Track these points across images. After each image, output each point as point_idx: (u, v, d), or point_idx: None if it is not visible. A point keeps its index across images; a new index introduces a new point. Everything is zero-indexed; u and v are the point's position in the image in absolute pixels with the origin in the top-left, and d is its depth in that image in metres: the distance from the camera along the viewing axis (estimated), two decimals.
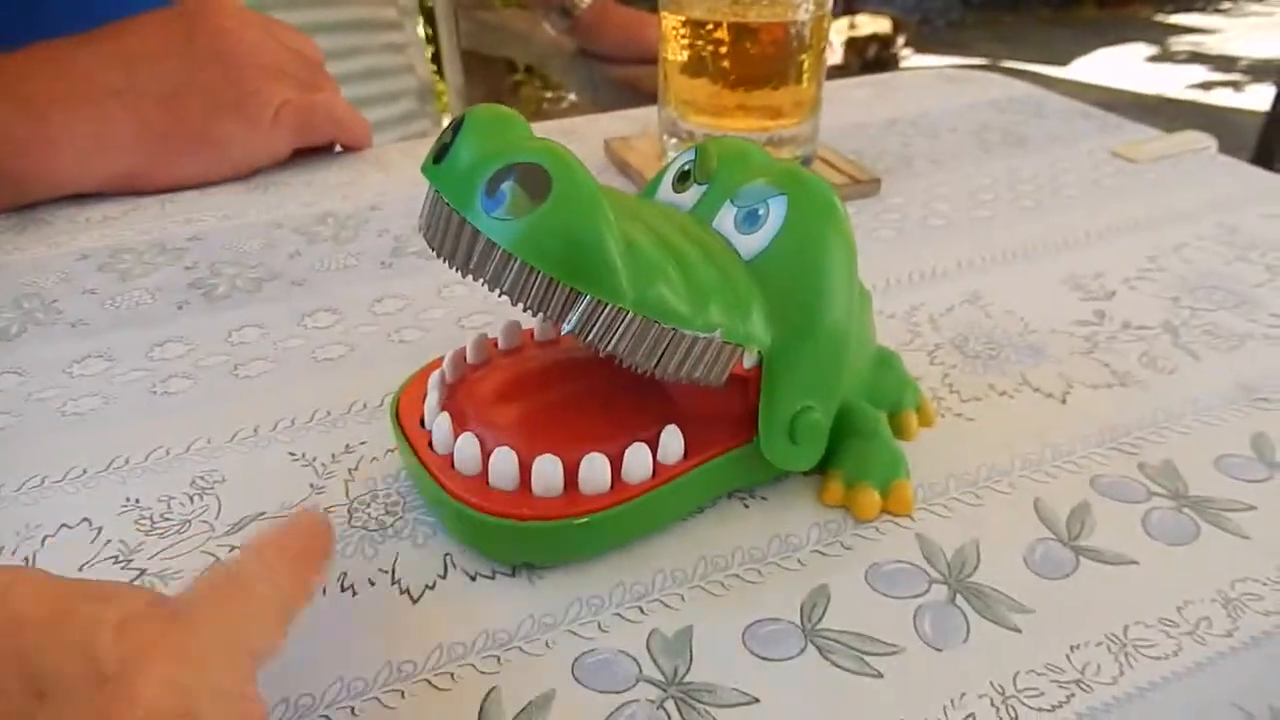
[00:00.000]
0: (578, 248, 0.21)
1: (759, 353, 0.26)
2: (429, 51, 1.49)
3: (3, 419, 0.32)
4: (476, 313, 0.38)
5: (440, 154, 0.23)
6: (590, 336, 0.22)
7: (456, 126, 0.23)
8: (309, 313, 0.38)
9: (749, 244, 0.26)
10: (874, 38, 3.10)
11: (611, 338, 0.22)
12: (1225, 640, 0.24)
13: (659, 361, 0.23)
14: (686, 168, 0.29)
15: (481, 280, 0.22)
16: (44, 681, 0.15)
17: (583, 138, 0.55)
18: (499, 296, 0.22)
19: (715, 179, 0.28)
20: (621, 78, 1.01)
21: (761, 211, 0.26)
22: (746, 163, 0.28)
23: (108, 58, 0.48)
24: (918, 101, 0.62)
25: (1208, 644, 0.24)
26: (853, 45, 3.05)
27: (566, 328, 0.22)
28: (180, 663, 0.16)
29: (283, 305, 0.39)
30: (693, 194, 0.28)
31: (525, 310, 0.22)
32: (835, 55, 2.99)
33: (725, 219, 0.27)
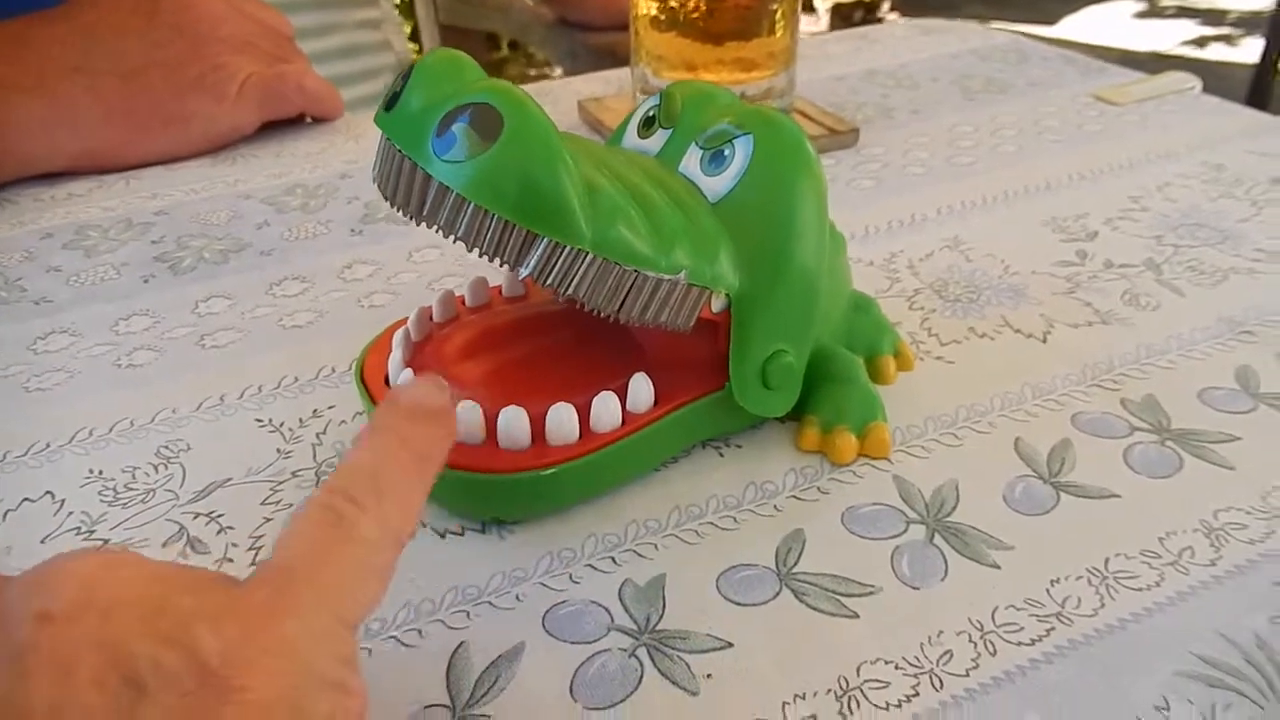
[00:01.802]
0: (532, 188, 0.21)
1: (727, 296, 0.25)
2: (407, 27, 1.47)
3: None
4: (448, 275, 0.37)
5: (391, 102, 0.23)
6: (550, 280, 0.22)
7: (407, 74, 0.22)
8: (277, 281, 0.37)
9: (715, 185, 0.25)
10: (859, 3, 3.07)
11: (571, 281, 0.22)
12: (1208, 569, 0.23)
13: (622, 305, 0.23)
14: (651, 113, 0.28)
15: (436, 227, 0.22)
16: (143, 674, 0.14)
17: (556, 99, 0.54)
18: (454, 243, 0.22)
19: (680, 123, 0.27)
20: (601, 45, 1.00)
21: (727, 152, 0.25)
22: (712, 105, 0.27)
23: (65, 36, 0.47)
24: (897, 54, 0.61)
25: (1191, 574, 0.23)
26: (838, 10, 3.02)
27: (524, 271, 0.22)
28: (283, 655, 0.15)
29: (250, 275, 0.38)
30: (658, 139, 0.27)
31: (482, 256, 0.22)
32: (821, 21, 2.96)
33: (691, 161, 0.26)
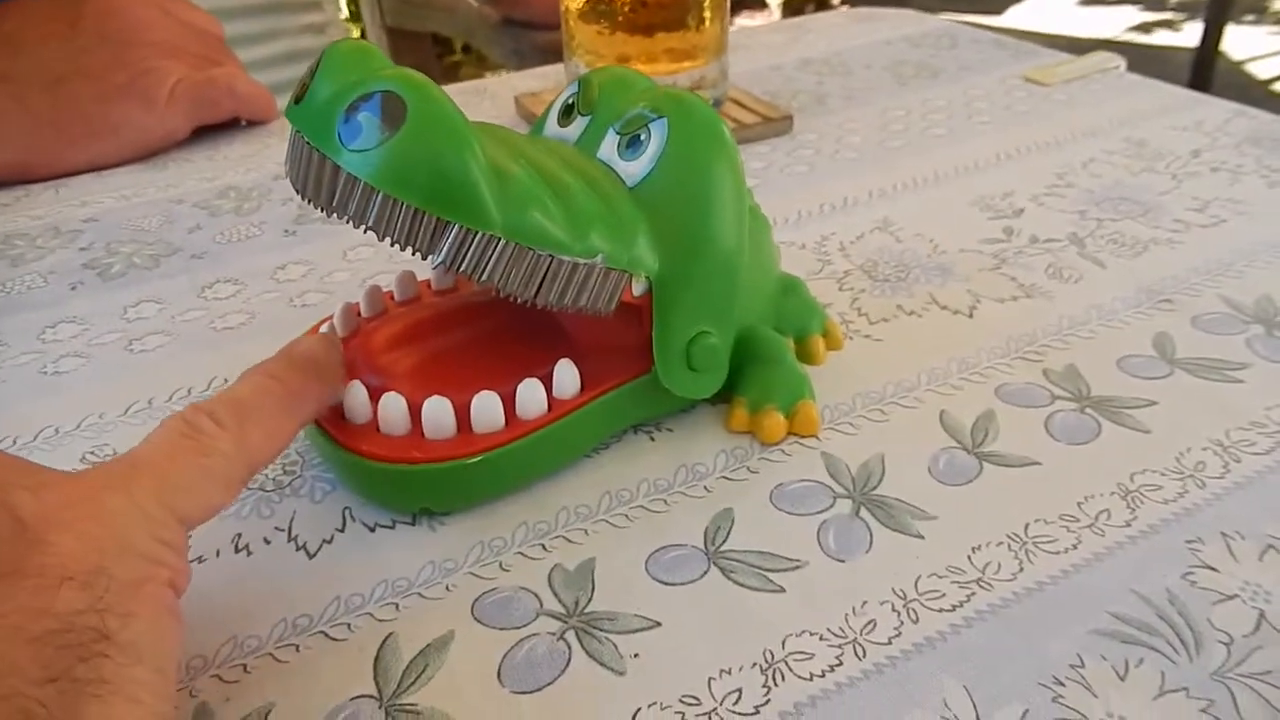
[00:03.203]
0: (439, 174, 0.21)
1: (648, 279, 0.25)
2: (355, 31, 1.46)
3: None
4: (381, 273, 0.37)
5: (300, 94, 0.22)
6: (463, 267, 0.22)
7: (315, 65, 0.22)
8: (209, 284, 0.37)
9: (632, 170, 0.25)
10: None
11: (485, 267, 0.22)
12: (1123, 530, 0.24)
13: (539, 290, 0.23)
14: (570, 101, 0.28)
15: (347, 218, 0.22)
16: None
17: (494, 95, 0.54)
18: (365, 233, 0.22)
19: (598, 109, 0.27)
20: (547, 43, 1.00)
21: (643, 136, 0.25)
22: (629, 90, 0.27)
23: None
24: (831, 41, 0.62)
25: (1106, 535, 0.24)
26: (789, 5, 3.04)
27: (437, 259, 0.22)
28: (96, 521, 0.17)
29: (181, 279, 0.37)
30: (577, 126, 0.27)
31: (394, 245, 0.21)
32: (773, 14, 2.98)
33: (608, 147, 0.26)
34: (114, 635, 0.16)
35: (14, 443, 0.29)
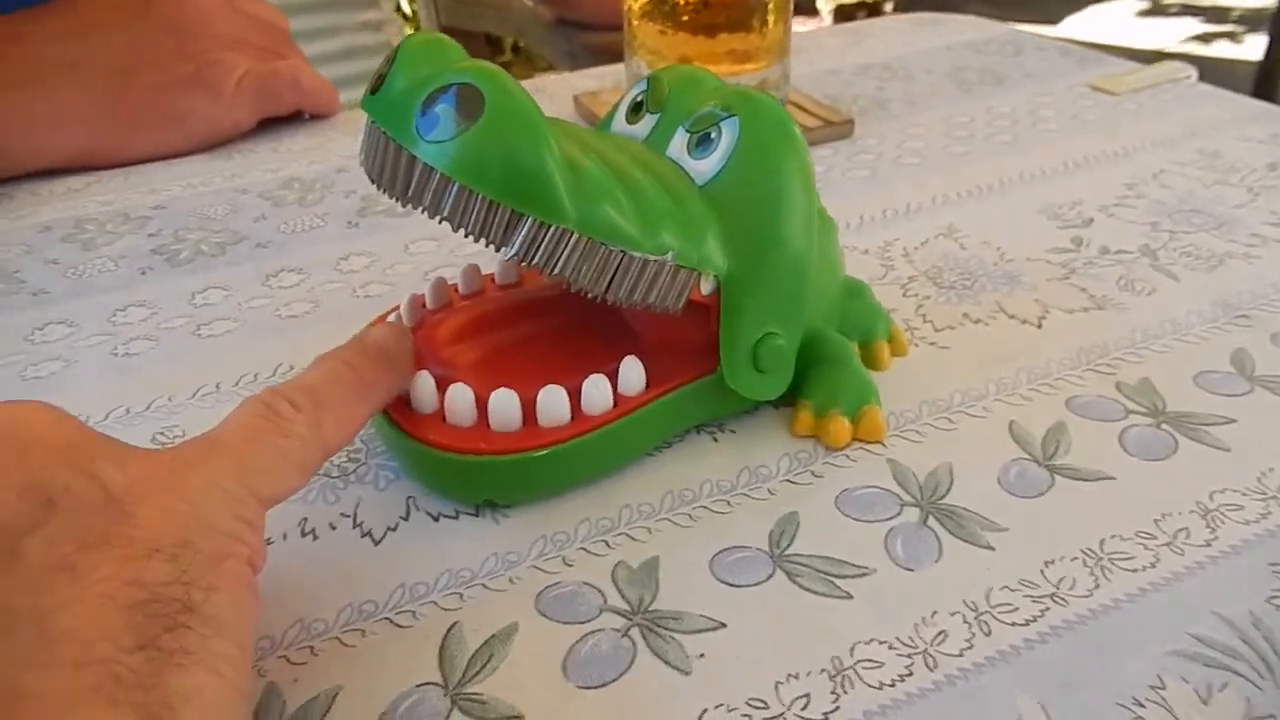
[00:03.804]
0: (515, 166, 0.21)
1: (716, 278, 0.25)
2: (409, 29, 1.47)
3: None
4: (444, 265, 0.37)
5: (376, 85, 0.23)
6: (535, 260, 0.22)
7: (392, 57, 0.22)
8: (273, 273, 0.37)
9: (702, 168, 0.25)
10: (862, 4, 3.07)
11: (557, 261, 0.22)
12: (1203, 550, 0.23)
13: (610, 285, 0.23)
14: (639, 98, 0.28)
15: (422, 208, 0.22)
16: (56, 494, 0.16)
17: (552, 95, 0.54)
18: (440, 223, 0.22)
19: (667, 107, 0.27)
20: (599, 44, 1.00)
21: (714, 135, 0.25)
22: (698, 88, 0.27)
23: (59, 32, 0.47)
24: (891, 46, 0.61)
25: (1186, 554, 0.23)
26: (841, 11, 3.02)
27: (510, 251, 0.22)
28: (179, 497, 0.18)
29: (247, 267, 0.38)
30: (646, 124, 0.27)
31: (467, 236, 0.22)
32: (824, 20, 2.96)
33: (678, 145, 0.26)
34: (198, 608, 0.16)
35: (86, 420, 0.29)
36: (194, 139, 0.49)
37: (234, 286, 0.37)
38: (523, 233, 0.21)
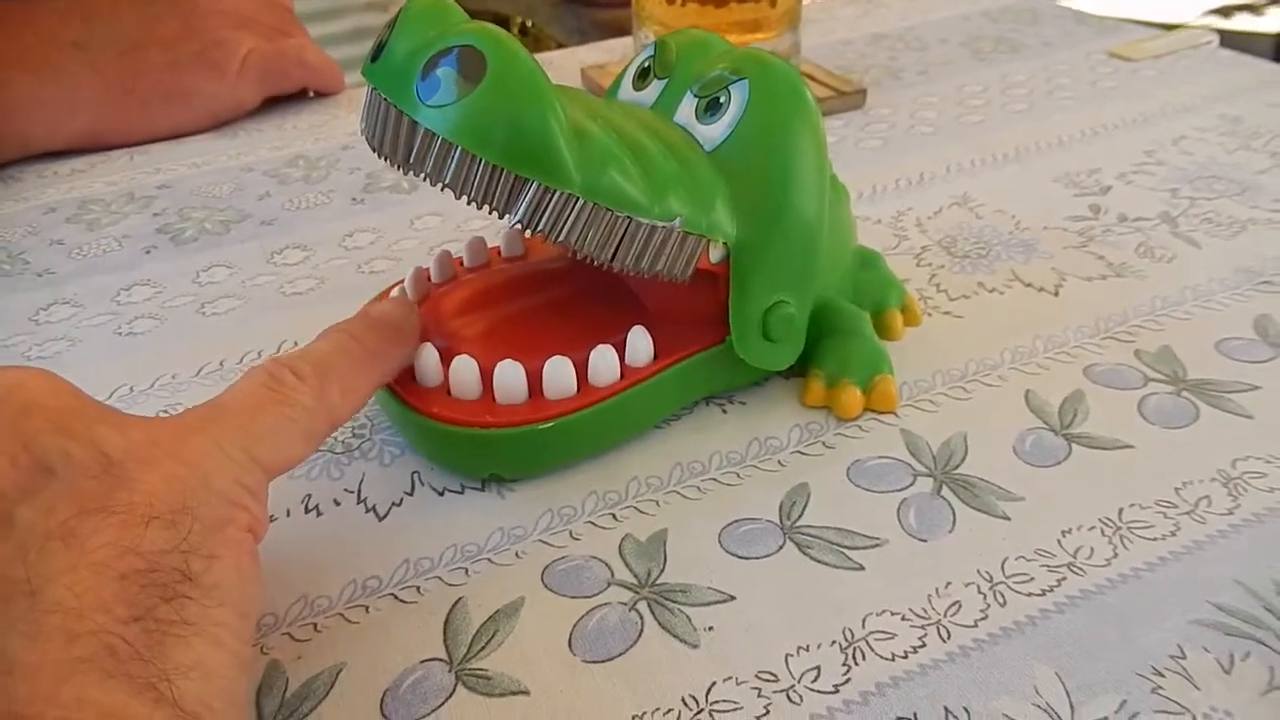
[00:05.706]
0: (517, 130, 0.20)
1: (725, 245, 0.24)
2: None
3: None
4: (449, 241, 0.37)
5: (377, 52, 0.22)
6: (540, 226, 0.21)
7: (393, 22, 0.22)
8: (278, 250, 0.37)
9: (711, 133, 0.25)
10: None
11: (562, 227, 0.21)
12: (1225, 519, 0.23)
13: (616, 253, 0.22)
14: (646, 64, 0.27)
15: (424, 175, 0.21)
16: (52, 460, 0.16)
17: (559, 68, 0.54)
18: (442, 191, 0.21)
19: (675, 72, 0.26)
20: (607, 21, 0.99)
21: (723, 99, 0.25)
22: (707, 52, 0.26)
23: (65, 12, 0.46)
24: (904, 16, 0.60)
25: (1208, 523, 0.23)
26: None
27: (514, 218, 0.21)
28: (180, 461, 0.17)
29: (252, 245, 0.38)
30: (654, 89, 0.27)
31: (470, 203, 0.21)
32: None
33: (686, 110, 0.25)
34: (197, 577, 0.16)
35: None
36: (200, 118, 0.49)
37: (239, 264, 0.36)
38: (526, 199, 0.21)
